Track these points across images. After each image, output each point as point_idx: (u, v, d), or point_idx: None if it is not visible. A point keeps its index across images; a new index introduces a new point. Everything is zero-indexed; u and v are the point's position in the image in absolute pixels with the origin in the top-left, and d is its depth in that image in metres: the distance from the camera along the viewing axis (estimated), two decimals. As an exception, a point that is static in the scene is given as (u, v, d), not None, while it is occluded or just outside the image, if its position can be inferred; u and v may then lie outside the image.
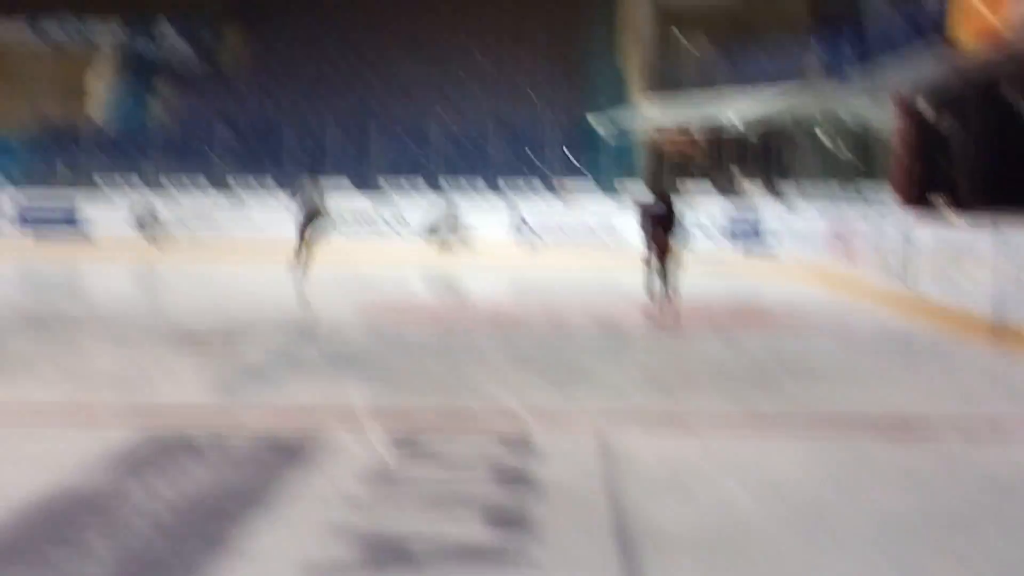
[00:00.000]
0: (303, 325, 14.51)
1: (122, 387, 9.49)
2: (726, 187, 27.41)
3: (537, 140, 31.84)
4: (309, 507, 6.02)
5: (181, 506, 5.95)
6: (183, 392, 9.25)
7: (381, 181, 29.50)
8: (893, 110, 20.32)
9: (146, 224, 28.26)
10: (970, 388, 10.37)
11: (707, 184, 27.78)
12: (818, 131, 25.99)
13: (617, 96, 33.44)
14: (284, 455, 7.05)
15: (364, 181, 29.57)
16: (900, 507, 6.20)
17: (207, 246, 26.72)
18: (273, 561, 5.28)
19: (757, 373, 10.79)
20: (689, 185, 27.36)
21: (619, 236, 25.20)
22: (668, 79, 32.26)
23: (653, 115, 31.12)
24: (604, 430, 7.86)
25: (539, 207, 27.74)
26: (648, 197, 15.97)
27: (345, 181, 29.23)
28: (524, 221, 27.29)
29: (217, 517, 5.78)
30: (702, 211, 25.49)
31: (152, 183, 29.73)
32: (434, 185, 29.09)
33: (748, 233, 25.14)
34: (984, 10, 16.42)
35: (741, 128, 27.04)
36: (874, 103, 21.56)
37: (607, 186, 28.57)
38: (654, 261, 15.27)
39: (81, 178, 30.79)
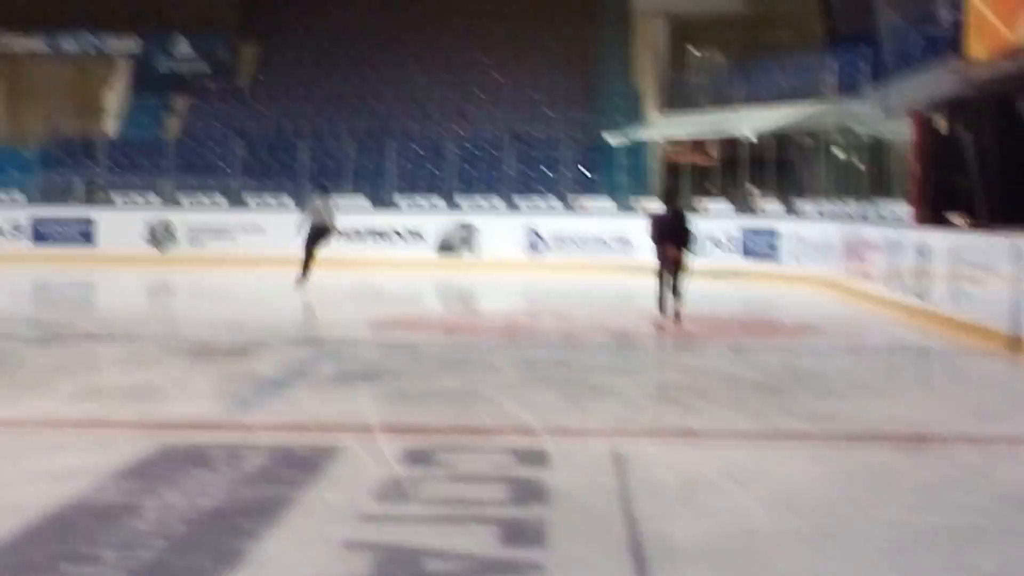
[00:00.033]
0: (317, 338, 14.53)
1: (136, 400, 9.50)
2: (740, 202, 27.38)
3: (552, 156, 31.84)
4: (322, 521, 6.02)
5: (194, 519, 5.95)
6: (196, 405, 9.27)
7: (396, 197, 29.52)
8: (908, 125, 20.29)
9: (160, 238, 28.33)
10: (985, 402, 10.34)
11: (722, 199, 27.76)
12: (833, 146, 25.96)
13: (631, 112, 33.45)
14: (297, 468, 7.05)
15: (379, 197, 29.59)
16: (914, 521, 6.18)
17: (221, 260, 26.76)
18: (286, 575, 5.29)
19: (771, 386, 10.77)
20: (704, 200, 27.34)
21: (633, 251, 25.18)
22: (682, 95, 32.26)
23: (667, 131, 31.12)
24: (618, 443, 7.85)
25: (553, 222, 27.73)
26: (660, 210, 16.00)
27: (360, 196, 29.25)
28: (538, 236, 27.29)
29: (230, 531, 5.79)
30: (716, 225, 25.47)
31: (166, 197, 29.79)
32: (449, 201, 29.10)
33: (763, 247, 25.10)
34: (999, 24, 16.39)
35: (756, 143, 27.00)
36: (889, 118, 21.51)
37: (621, 202, 28.55)
38: (665, 274, 15.28)
39: (95, 192, 30.86)
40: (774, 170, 27.56)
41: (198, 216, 28.79)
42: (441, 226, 27.94)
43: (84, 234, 28.63)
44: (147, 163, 31.80)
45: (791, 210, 25.86)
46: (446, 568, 5.30)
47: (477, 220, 27.95)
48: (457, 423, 8.78)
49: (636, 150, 31.21)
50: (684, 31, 33.13)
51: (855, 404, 9.87)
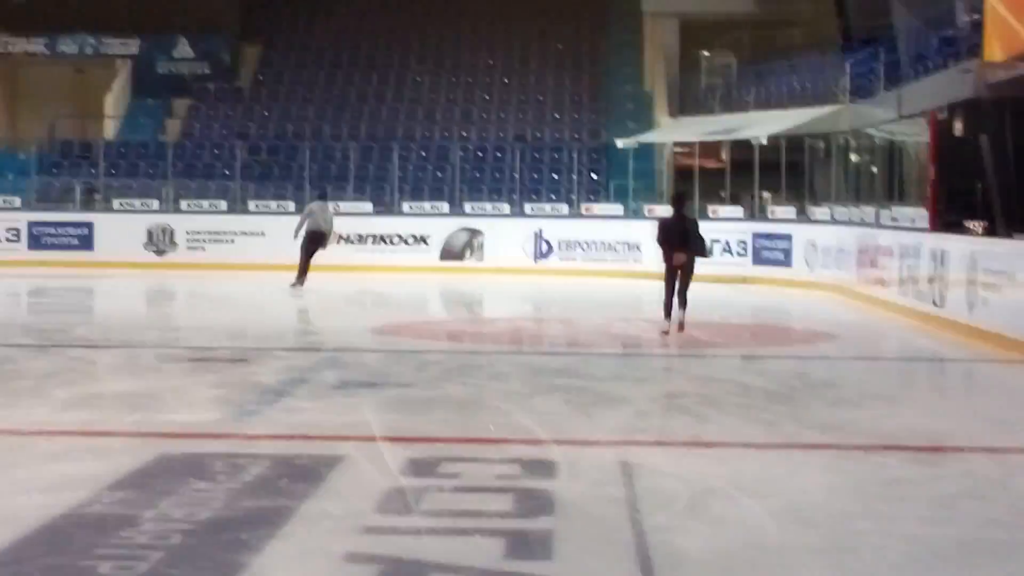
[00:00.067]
0: (319, 345, 14.52)
1: (134, 408, 9.49)
2: (752, 207, 27.35)
3: (559, 160, 31.84)
4: (324, 533, 6.00)
5: (193, 531, 5.94)
6: (195, 414, 9.25)
7: (400, 201, 29.53)
8: (924, 128, 20.25)
9: (159, 243, 28.35)
10: (1003, 411, 10.31)
11: (733, 203, 27.73)
12: (847, 150, 25.92)
13: (640, 115, 33.44)
14: (299, 479, 7.04)
15: (382, 201, 29.58)
16: (930, 534, 6.16)
17: (221, 265, 26.76)
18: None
19: (782, 395, 10.75)
20: (715, 204, 27.32)
21: (641, 256, 25.17)
22: (693, 97, 32.25)
23: (677, 134, 31.09)
24: (626, 453, 7.82)
25: (560, 227, 27.72)
26: (668, 214, 16.02)
27: (363, 201, 29.25)
28: (545, 241, 27.28)
29: (230, 542, 5.77)
30: (728, 230, 25.45)
31: (166, 201, 29.81)
32: (454, 206, 29.08)
33: (774, 253, 25.07)
34: (1017, 25, 16.37)
35: (767, 147, 26.96)
36: (904, 121, 21.48)
37: (630, 207, 28.53)
38: (671, 279, 15.32)
39: (94, 196, 30.88)
40: (786, 174, 27.53)
41: (198, 220, 28.79)
42: (446, 231, 27.93)
43: (82, 239, 28.66)
44: (147, 166, 31.84)
45: (803, 215, 25.84)
46: (450, 580, 5.29)
47: (483, 225, 27.94)
48: (462, 432, 8.77)
49: (645, 154, 31.17)
50: (694, 32, 33.09)
51: (869, 413, 9.84)
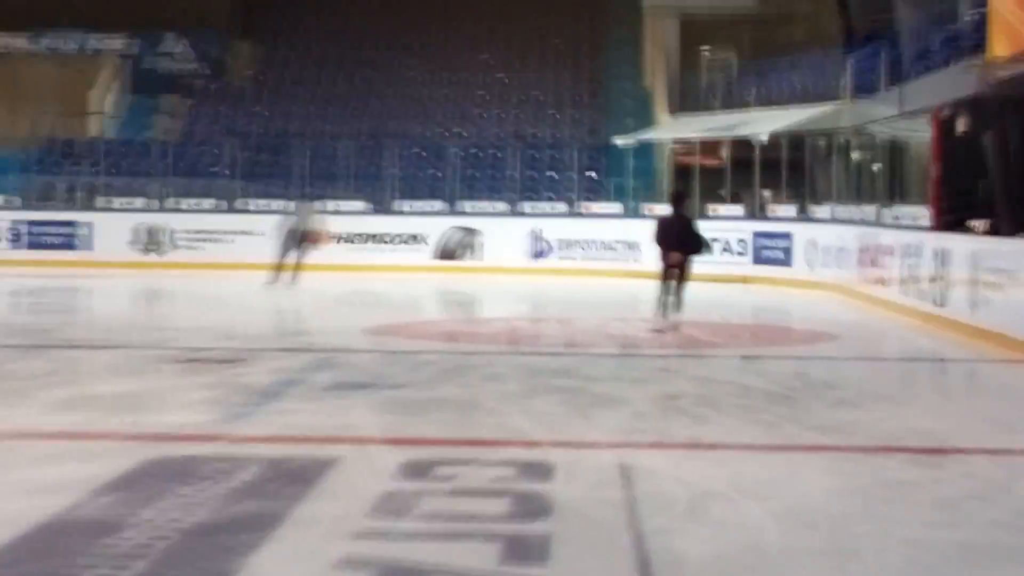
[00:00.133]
0: (313, 346, 14.48)
1: (125, 410, 9.47)
2: (752, 205, 27.36)
3: (557, 159, 31.84)
4: (317, 536, 5.97)
5: (185, 534, 5.91)
6: (187, 416, 9.22)
7: (396, 200, 29.52)
8: (927, 126, 20.25)
9: (151, 242, 28.32)
10: (1006, 413, 10.29)
11: (733, 202, 27.73)
12: (849, 148, 25.91)
13: (640, 113, 33.43)
14: (292, 481, 7.01)
15: (378, 200, 29.58)
16: (933, 537, 6.13)
17: (216, 265, 26.75)
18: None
19: (783, 396, 10.73)
20: (715, 203, 27.31)
21: (640, 256, 25.16)
22: (693, 96, 32.25)
23: (677, 132, 31.09)
24: (625, 455, 7.80)
25: (558, 227, 27.71)
26: (667, 213, 16.06)
27: (359, 200, 29.25)
28: (543, 241, 27.27)
29: (222, 546, 5.74)
30: (728, 229, 25.45)
31: (161, 200, 29.80)
32: (450, 205, 29.08)
33: (775, 252, 25.07)
34: (1021, 23, 16.35)
35: (768, 145, 26.96)
36: (907, 119, 21.48)
37: (629, 206, 28.54)
38: (667, 279, 15.36)
39: (84, 194, 30.87)
40: (787, 173, 27.53)
41: (193, 220, 28.79)
42: (442, 231, 27.92)
43: (75, 238, 28.64)
44: (141, 165, 31.83)
45: (804, 214, 25.84)
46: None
47: (480, 224, 27.94)
48: (458, 434, 8.74)
49: (645, 152, 31.19)
50: (695, 30, 33.09)
51: (871, 415, 9.82)
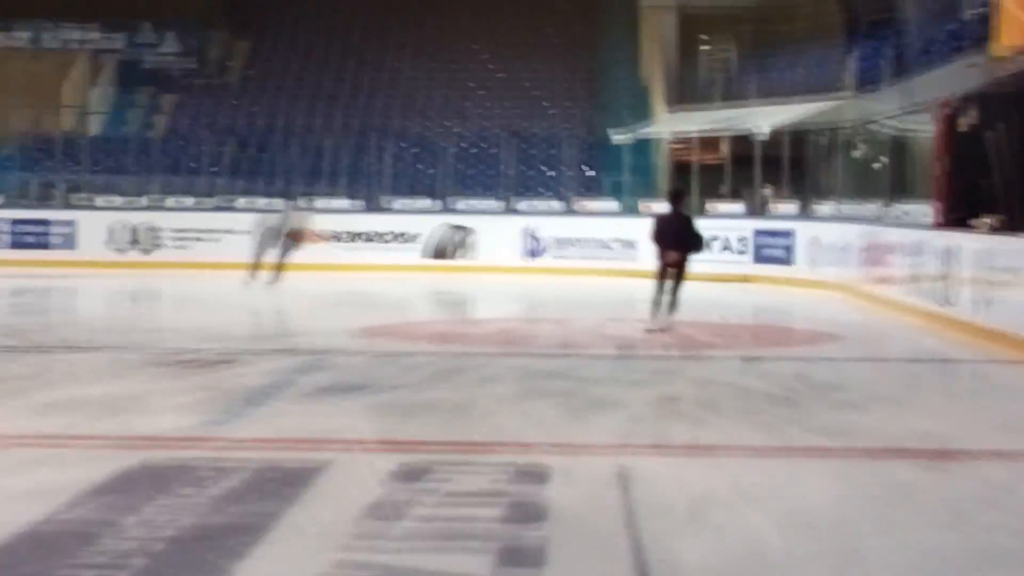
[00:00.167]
0: (304, 347, 14.49)
1: (114, 413, 9.46)
2: (753, 203, 27.37)
3: (552, 155, 31.84)
4: (309, 541, 5.97)
5: (175, 539, 5.90)
6: (177, 418, 9.21)
7: (387, 198, 29.51)
8: (931, 121, 20.28)
9: (136, 240, 28.30)
10: (1014, 415, 10.31)
11: (733, 199, 27.75)
12: (851, 144, 25.94)
13: (638, 108, 33.42)
14: (283, 485, 7.01)
15: (369, 198, 29.58)
16: (940, 543, 6.14)
17: (206, 264, 26.74)
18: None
19: (785, 398, 10.73)
20: (714, 200, 27.33)
21: (637, 255, 25.18)
22: (692, 90, 32.25)
23: (676, 128, 31.09)
24: (622, 459, 7.81)
25: (553, 225, 27.72)
26: (664, 210, 16.09)
27: (350, 198, 29.26)
28: (537, 240, 27.28)
29: (213, 551, 5.74)
30: (728, 227, 25.47)
31: (149, 198, 29.78)
32: (443, 203, 29.08)
33: (776, 250, 25.09)
34: (1027, 16, 16.39)
35: (769, 141, 26.99)
36: (911, 114, 21.51)
37: (626, 203, 28.55)
38: (663, 278, 15.39)
39: (66, 192, 30.84)
40: (789, 169, 27.54)
41: (182, 218, 28.78)
42: (435, 229, 27.92)
43: (63, 237, 28.61)
44: (130, 163, 31.80)
45: (806, 211, 25.86)
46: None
47: (472, 223, 27.94)
48: (451, 437, 8.74)
49: (642, 148, 31.20)
50: (694, 22, 33.11)
51: (875, 417, 9.83)
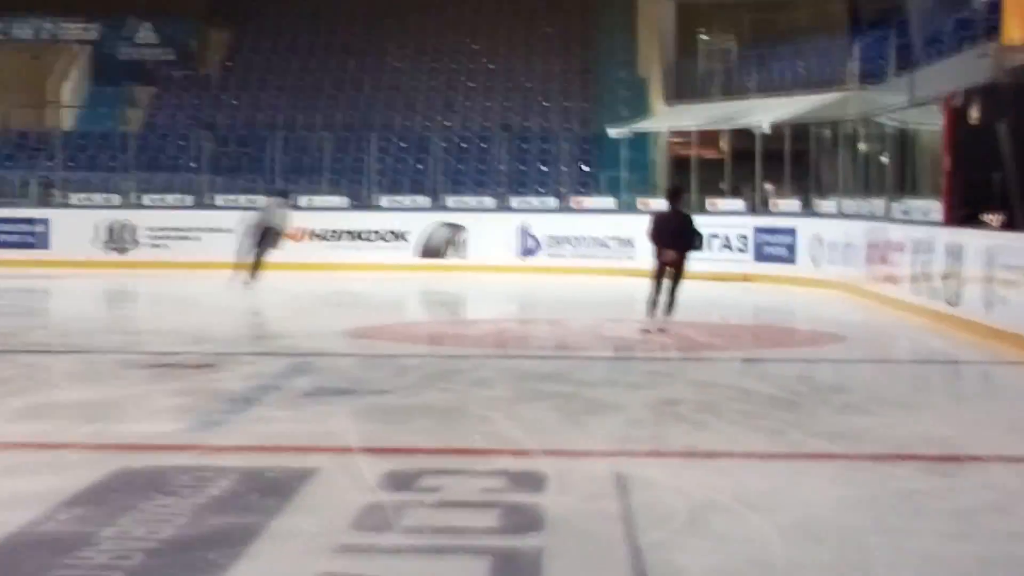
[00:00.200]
0: (290, 350, 14.48)
1: (92, 419, 9.45)
2: (754, 199, 27.39)
3: (547, 151, 31.86)
4: (296, 551, 5.97)
5: (155, 550, 5.89)
6: (158, 424, 9.20)
7: (376, 195, 29.51)
8: (938, 115, 20.30)
9: (119, 240, 28.28)
10: (1023, 418, 10.31)
11: (733, 196, 27.76)
12: (855, 139, 25.97)
13: (635, 103, 33.46)
14: (269, 493, 7.00)
15: (358, 195, 29.57)
16: (948, 550, 6.14)
17: (185, 264, 26.71)
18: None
19: (787, 401, 10.74)
20: (714, 197, 27.35)
21: (635, 253, 25.19)
22: (691, 84, 32.27)
23: (674, 122, 31.12)
24: (620, 464, 7.80)
25: (548, 222, 27.72)
26: (662, 208, 16.10)
27: (337, 195, 29.24)
28: (532, 237, 27.29)
29: (195, 562, 5.73)
30: (728, 224, 25.48)
31: (126, 196, 29.75)
32: (434, 200, 29.08)
33: (778, 248, 25.10)
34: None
35: (771, 136, 27.02)
36: (917, 107, 21.53)
37: (623, 200, 28.56)
38: (660, 277, 15.41)
39: (49, 190, 30.81)
40: (790, 165, 27.57)
41: (161, 216, 28.74)
42: (425, 227, 27.92)
43: (36, 236, 28.58)
44: (106, 159, 31.80)
45: (808, 208, 25.87)
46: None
47: (465, 220, 27.94)
48: (443, 443, 8.74)
49: (639, 144, 31.22)
50: (692, 14, 33.15)
51: (880, 420, 9.83)
